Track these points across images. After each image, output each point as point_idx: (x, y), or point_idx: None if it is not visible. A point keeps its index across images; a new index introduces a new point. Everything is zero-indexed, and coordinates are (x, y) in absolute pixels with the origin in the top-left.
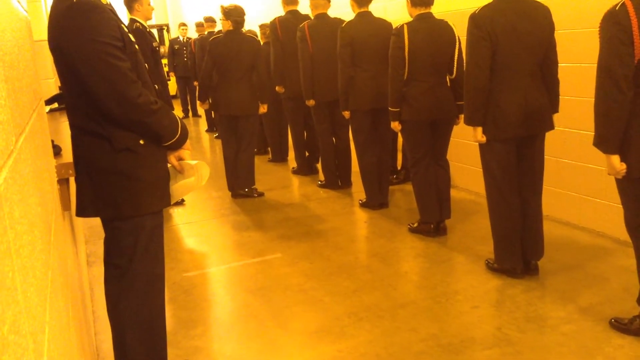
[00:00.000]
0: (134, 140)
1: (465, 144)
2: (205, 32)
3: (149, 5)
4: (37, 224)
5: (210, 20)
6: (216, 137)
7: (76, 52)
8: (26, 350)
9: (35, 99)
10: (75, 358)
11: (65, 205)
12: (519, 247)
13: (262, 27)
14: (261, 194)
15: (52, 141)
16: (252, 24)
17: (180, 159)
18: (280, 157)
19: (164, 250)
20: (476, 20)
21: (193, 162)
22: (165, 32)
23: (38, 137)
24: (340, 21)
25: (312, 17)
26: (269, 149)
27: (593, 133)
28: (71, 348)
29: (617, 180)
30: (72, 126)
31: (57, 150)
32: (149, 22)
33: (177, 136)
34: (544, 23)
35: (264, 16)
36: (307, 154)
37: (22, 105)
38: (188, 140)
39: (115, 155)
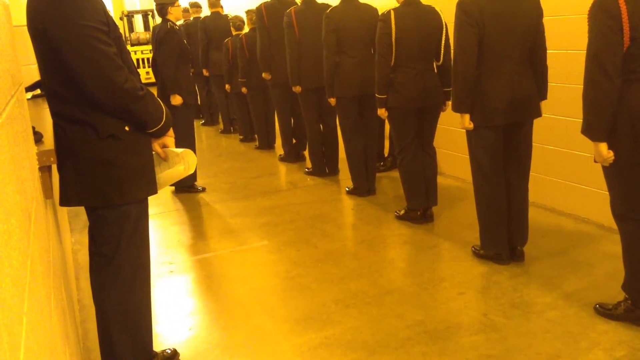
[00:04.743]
0: (119, 127)
1: (452, 131)
2: (191, 18)
3: (179, 6)
4: (14, 212)
5: (195, 6)
6: (202, 124)
7: (62, 36)
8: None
9: (14, 85)
10: (58, 348)
11: (47, 194)
12: (504, 233)
13: (248, 12)
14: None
15: (33, 128)
16: (239, 9)
17: (164, 146)
18: (267, 144)
19: (149, 238)
20: (464, 7)
21: (178, 151)
22: (150, 17)
23: (17, 124)
24: (328, 7)
25: (299, 3)
26: (256, 136)
27: (579, 120)
28: (53, 338)
29: (604, 168)
30: (54, 114)
31: (38, 137)
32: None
33: (162, 123)
34: (532, 9)
35: (250, 2)
36: (294, 141)
37: None
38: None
39: (99, 143)
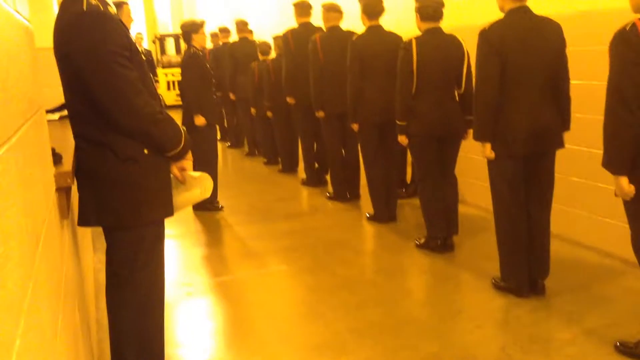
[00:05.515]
0: (138, 150)
1: (475, 160)
2: (220, 43)
3: (203, 33)
4: (15, 236)
5: (224, 31)
6: (228, 147)
7: (84, 59)
8: None
9: (31, 108)
10: None
11: (64, 214)
12: (525, 265)
13: (275, 38)
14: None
15: (54, 150)
16: (266, 35)
17: (182, 169)
18: (290, 167)
19: (166, 260)
20: (486, 36)
21: (196, 174)
22: (181, 41)
23: (32, 146)
24: (352, 34)
25: (325, 30)
26: (280, 159)
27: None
28: (57, 358)
29: (625, 202)
30: (76, 135)
31: (57, 159)
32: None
33: (180, 147)
34: (555, 40)
35: (278, 27)
36: (316, 165)
37: (9, 115)
38: (190, 152)
39: (118, 165)
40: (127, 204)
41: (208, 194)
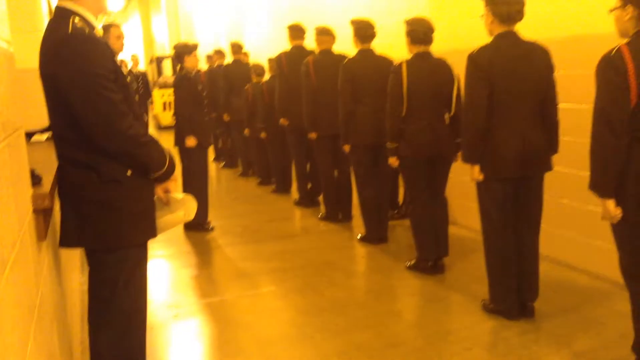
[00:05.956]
0: (121, 172)
1: (467, 181)
2: (215, 64)
3: (195, 55)
4: None
5: (219, 53)
6: (222, 167)
7: (69, 82)
8: None
9: (4, 130)
10: None
11: (40, 236)
12: (514, 288)
13: (269, 60)
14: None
15: (33, 171)
16: (263, 57)
17: (167, 191)
18: (283, 188)
19: (149, 282)
20: (474, 60)
21: (180, 196)
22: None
23: (3, 168)
24: (344, 57)
25: (317, 53)
26: (273, 179)
27: None
28: None
29: (613, 225)
30: (59, 156)
31: (36, 180)
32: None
33: (164, 168)
34: (543, 64)
35: (275, 50)
36: (309, 186)
37: None
38: (175, 173)
39: (101, 186)
40: (109, 226)
41: (192, 216)
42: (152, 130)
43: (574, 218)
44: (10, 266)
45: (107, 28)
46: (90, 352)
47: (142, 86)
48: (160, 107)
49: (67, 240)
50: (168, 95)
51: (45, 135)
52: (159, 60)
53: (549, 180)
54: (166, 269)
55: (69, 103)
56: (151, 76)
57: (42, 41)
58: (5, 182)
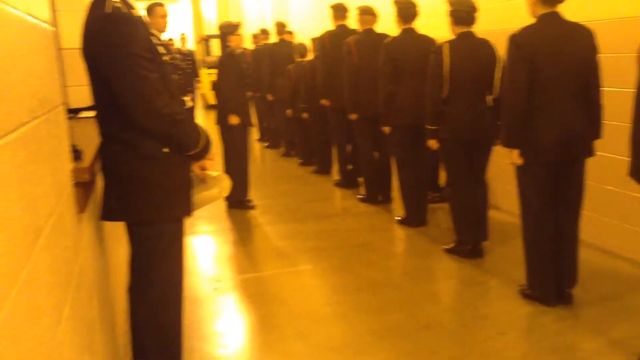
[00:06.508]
0: (157, 148)
1: (509, 165)
2: (261, 44)
3: (239, 35)
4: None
5: (264, 33)
6: (266, 147)
7: (107, 61)
8: None
9: (42, 107)
10: (66, 355)
11: (81, 208)
12: (552, 274)
13: (313, 40)
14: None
15: (75, 146)
16: (308, 37)
17: (203, 168)
18: (324, 168)
19: (193, 256)
20: (516, 41)
21: (215, 174)
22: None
23: (40, 143)
24: (386, 36)
25: (359, 32)
26: (314, 160)
27: None
28: (60, 344)
29: None
30: (100, 132)
31: (77, 155)
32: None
33: (199, 147)
34: (586, 46)
35: (318, 29)
36: (350, 167)
37: (5, 115)
38: (212, 151)
39: (138, 162)
40: (145, 201)
41: (226, 194)
42: (199, 109)
43: (618, 205)
44: (46, 235)
45: (151, 7)
46: (129, 324)
47: (190, 65)
48: (208, 86)
49: (106, 213)
50: (215, 74)
51: (92, 113)
52: (207, 40)
53: (594, 165)
54: (209, 245)
55: (106, 81)
56: (200, 55)
57: (84, 21)
58: (42, 156)
